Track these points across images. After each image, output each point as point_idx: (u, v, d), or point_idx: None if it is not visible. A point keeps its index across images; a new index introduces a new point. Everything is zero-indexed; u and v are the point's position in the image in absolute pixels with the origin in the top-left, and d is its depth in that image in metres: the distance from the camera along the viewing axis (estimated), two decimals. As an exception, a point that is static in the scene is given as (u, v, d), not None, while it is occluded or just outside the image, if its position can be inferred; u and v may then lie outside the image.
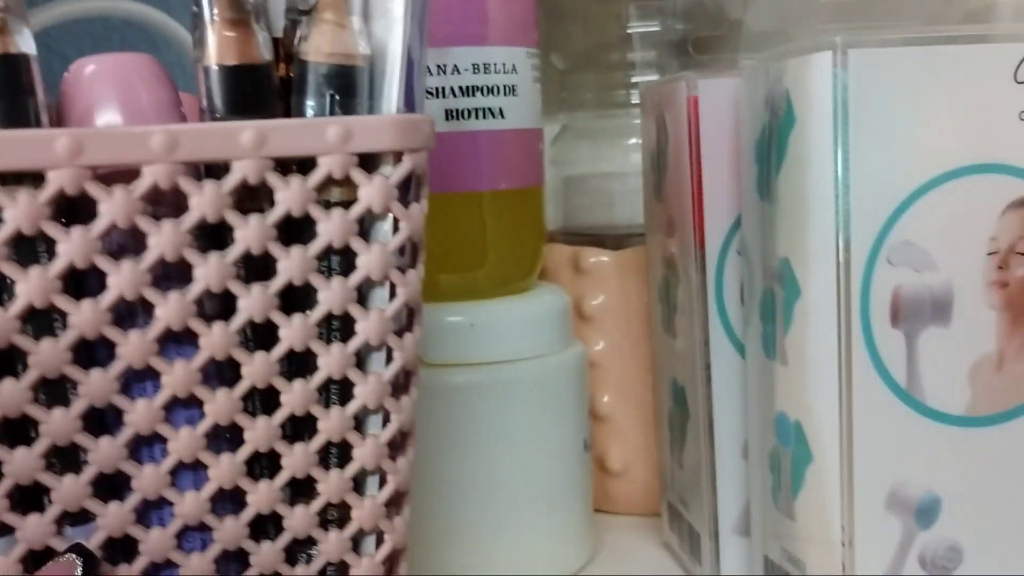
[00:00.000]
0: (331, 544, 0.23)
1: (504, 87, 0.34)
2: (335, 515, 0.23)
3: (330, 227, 0.22)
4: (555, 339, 0.36)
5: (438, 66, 0.34)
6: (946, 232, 0.27)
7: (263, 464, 0.23)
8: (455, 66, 0.34)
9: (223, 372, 0.22)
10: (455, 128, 0.34)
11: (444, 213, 0.35)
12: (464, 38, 0.34)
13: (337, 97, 0.22)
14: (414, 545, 0.34)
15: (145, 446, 0.22)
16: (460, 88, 0.34)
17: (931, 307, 0.27)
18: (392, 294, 0.23)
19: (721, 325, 0.33)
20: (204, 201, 0.21)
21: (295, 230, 0.22)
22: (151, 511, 0.22)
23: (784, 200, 0.29)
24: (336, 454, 0.23)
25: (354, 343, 0.22)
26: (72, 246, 0.20)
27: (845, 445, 0.27)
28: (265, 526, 0.23)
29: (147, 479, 0.22)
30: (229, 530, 0.22)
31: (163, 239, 0.21)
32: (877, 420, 0.27)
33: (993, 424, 0.27)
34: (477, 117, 0.34)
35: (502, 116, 0.34)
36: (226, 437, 0.22)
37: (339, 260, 0.22)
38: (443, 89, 0.34)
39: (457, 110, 0.34)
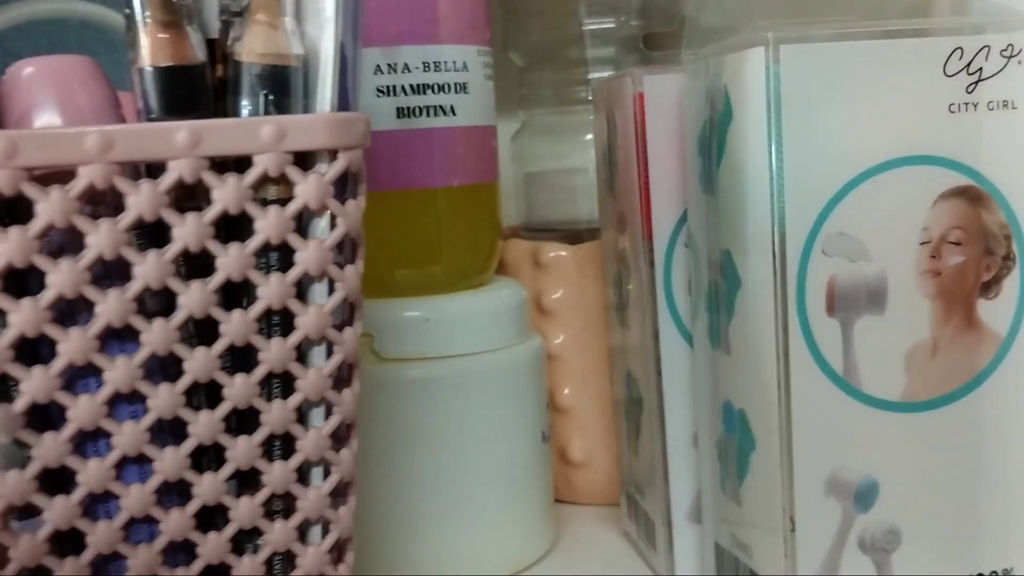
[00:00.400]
0: (277, 534, 0.24)
1: (455, 85, 0.35)
2: (280, 506, 0.24)
3: (267, 224, 0.22)
4: (512, 332, 0.37)
5: (389, 65, 0.34)
6: (879, 223, 0.27)
7: (208, 457, 0.23)
8: (406, 65, 0.34)
9: (166, 367, 0.22)
10: (407, 126, 0.35)
11: (399, 210, 0.35)
12: (414, 37, 0.34)
13: (271, 97, 0.22)
14: (373, 538, 0.35)
15: (90, 441, 0.22)
16: (411, 86, 0.34)
17: (866, 296, 0.28)
18: (331, 289, 0.23)
19: (670, 317, 0.34)
20: (141, 200, 0.21)
21: (234, 228, 0.23)
22: (98, 504, 0.23)
23: (724, 193, 0.29)
24: (280, 446, 0.24)
25: (294, 338, 0.23)
26: (10, 246, 0.21)
27: (785, 432, 0.28)
28: (211, 518, 0.23)
29: (92, 473, 0.22)
30: (175, 522, 0.23)
31: (101, 238, 0.21)
32: (815, 407, 0.28)
33: (928, 409, 0.28)
34: (429, 115, 0.35)
35: (453, 113, 0.35)
36: (170, 431, 0.23)
37: (277, 257, 0.23)
38: (394, 87, 0.34)
39: (409, 108, 0.34)
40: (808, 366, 0.28)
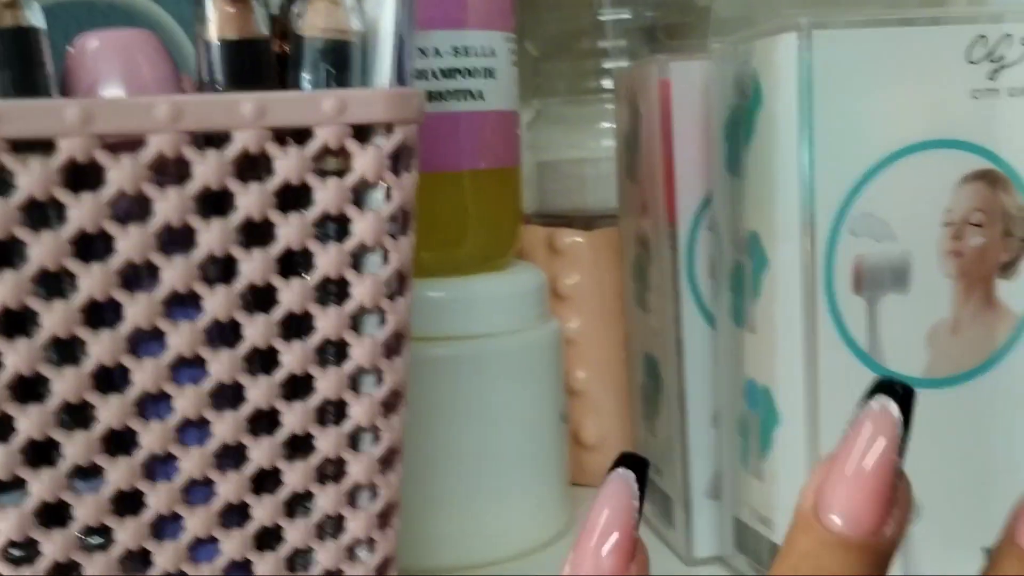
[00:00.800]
0: (328, 498, 0.24)
1: (483, 70, 0.36)
2: (332, 471, 0.24)
3: (326, 195, 0.23)
4: (532, 315, 0.38)
5: (420, 49, 0.35)
6: (904, 204, 0.28)
7: (263, 423, 0.24)
8: (436, 49, 0.35)
9: (225, 334, 0.23)
10: (436, 109, 0.35)
11: (425, 192, 0.36)
12: (444, 22, 0.35)
13: (332, 71, 0.23)
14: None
15: (151, 404, 0.23)
16: (441, 70, 0.35)
17: (891, 275, 0.29)
18: (385, 260, 0.24)
19: (692, 299, 0.35)
20: (207, 169, 0.22)
21: (291, 199, 0.23)
22: (157, 467, 0.23)
23: (752, 176, 0.30)
24: (333, 412, 0.24)
25: (350, 306, 0.24)
26: (82, 211, 0.21)
27: (811, 407, 0.29)
28: (266, 481, 0.24)
29: (154, 435, 0.23)
30: (232, 484, 0.23)
31: (169, 205, 0.22)
32: (841, 382, 0.29)
33: (949, 385, 0.29)
34: (458, 99, 0.35)
35: (482, 98, 0.36)
36: (229, 395, 0.23)
37: (335, 228, 0.24)
38: (425, 71, 0.35)
39: (438, 92, 0.35)
40: (834, 343, 0.29)
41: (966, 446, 0.29)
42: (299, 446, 0.24)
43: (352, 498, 0.25)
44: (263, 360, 0.24)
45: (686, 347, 0.35)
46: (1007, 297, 0.29)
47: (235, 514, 0.24)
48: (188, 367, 0.23)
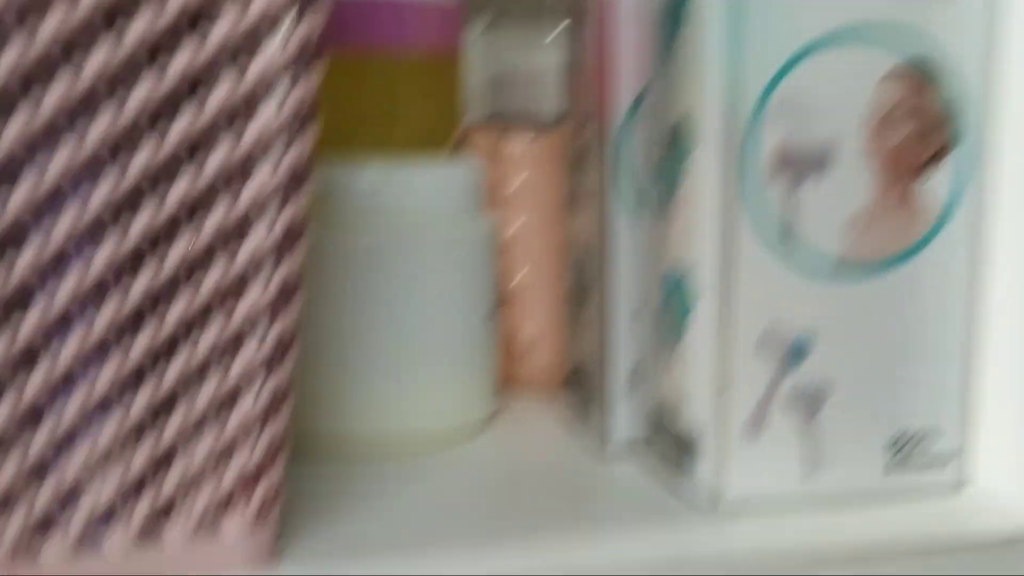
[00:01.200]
0: (212, 334, 0.24)
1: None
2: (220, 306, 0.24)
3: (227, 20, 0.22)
4: (467, 206, 0.37)
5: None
6: (829, 93, 0.28)
7: (148, 260, 0.24)
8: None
9: (117, 219, 0.23)
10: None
11: (363, 71, 0.35)
12: None
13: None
14: (318, 393, 0.35)
15: (33, 230, 0.22)
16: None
17: (811, 163, 0.28)
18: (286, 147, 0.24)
19: (620, 198, 0.34)
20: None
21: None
22: (35, 292, 0.23)
23: (682, 63, 0.30)
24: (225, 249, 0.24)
25: (247, 140, 0.23)
26: None
27: (723, 292, 0.28)
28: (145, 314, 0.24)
29: (24, 263, 0.22)
30: (109, 316, 0.23)
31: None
32: (755, 268, 0.28)
33: (862, 275, 0.29)
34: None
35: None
36: (111, 227, 0.23)
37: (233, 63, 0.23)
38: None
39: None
40: (750, 228, 0.28)
41: (874, 335, 0.29)
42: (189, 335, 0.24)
43: (240, 341, 0.24)
44: (155, 248, 0.23)
45: (611, 244, 0.34)
46: (926, 193, 0.29)
47: (115, 348, 0.24)
48: (70, 196, 0.22)
